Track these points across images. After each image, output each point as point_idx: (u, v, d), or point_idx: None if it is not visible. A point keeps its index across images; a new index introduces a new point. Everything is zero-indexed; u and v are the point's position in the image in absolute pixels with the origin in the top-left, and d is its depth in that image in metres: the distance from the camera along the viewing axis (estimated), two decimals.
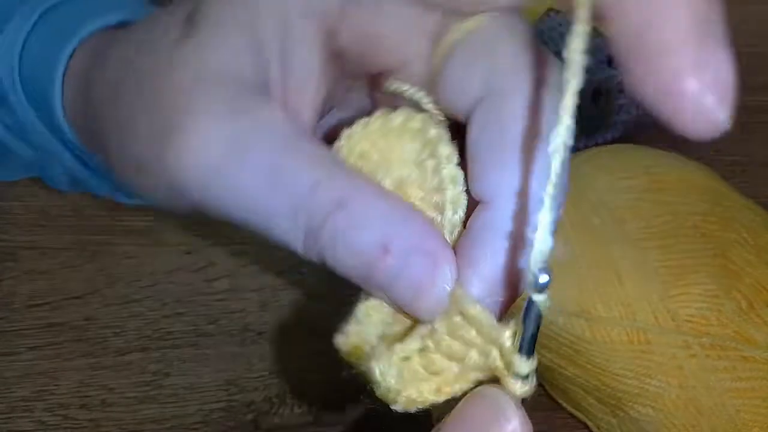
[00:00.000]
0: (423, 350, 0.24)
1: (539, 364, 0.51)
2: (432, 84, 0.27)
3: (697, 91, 0.18)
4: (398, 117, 0.26)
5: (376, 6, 0.26)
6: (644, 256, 0.45)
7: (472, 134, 0.26)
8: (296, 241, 0.25)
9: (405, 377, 0.24)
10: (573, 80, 0.20)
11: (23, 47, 0.35)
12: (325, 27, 0.26)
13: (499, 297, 0.24)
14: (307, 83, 0.27)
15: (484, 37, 0.26)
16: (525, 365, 0.22)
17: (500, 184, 0.25)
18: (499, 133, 0.25)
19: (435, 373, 0.24)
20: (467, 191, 0.26)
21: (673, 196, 0.47)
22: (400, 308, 0.25)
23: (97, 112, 0.30)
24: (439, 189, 0.26)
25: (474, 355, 0.23)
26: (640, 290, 0.44)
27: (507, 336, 0.22)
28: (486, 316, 0.23)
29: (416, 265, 0.24)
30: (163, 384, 0.51)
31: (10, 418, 0.49)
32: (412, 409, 0.25)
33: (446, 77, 0.27)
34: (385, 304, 0.26)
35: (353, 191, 0.24)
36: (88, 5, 0.36)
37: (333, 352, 0.56)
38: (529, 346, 0.22)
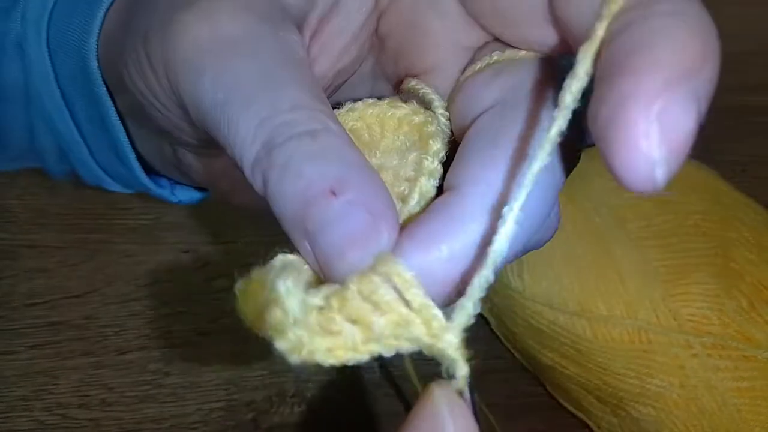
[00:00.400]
0: (325, 308, 0.22)
1: (540, 363, 0.51)
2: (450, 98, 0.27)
3: (644, 129, 0.17)
4: (405, 108, 0.26)
5: (433, 3, 0.26)
6: (645, 256, 0.45)
7: (468, 135, 0.25)
8: (246, 155, 0.23)
9: (301, 326, 0.22)
10: (559, 121, 0.19)
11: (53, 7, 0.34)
12: (380, 6, 0.26)
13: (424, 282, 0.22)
14: (339, 38, 0.27)
15: (510, 63, 0.26)
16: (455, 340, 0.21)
17: (476, 176, 0.23)
18: (492, 137, 0.24)
19: (331, 334, 0.22)
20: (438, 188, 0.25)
21: (673, 196, 0.47)
22: (317, 264, 0.23)
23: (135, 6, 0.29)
24: (412, 179, 0.25)
25: (381, 322, 0.21)
26: (642, 289, 0.44)
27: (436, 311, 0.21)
28: (418, 282, 0.21)
29: (356, 218, 0.22)
30: (163, 383, 0.51)
31: (8, 417, 0.49)
32: (297, 360, 0.22)
33: (467, 88, 0.26)
34: (303, 264, 0.24)
35: (327, 129, 0.23)
36: None
37: None
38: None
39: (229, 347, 0.53)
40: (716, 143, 0.64)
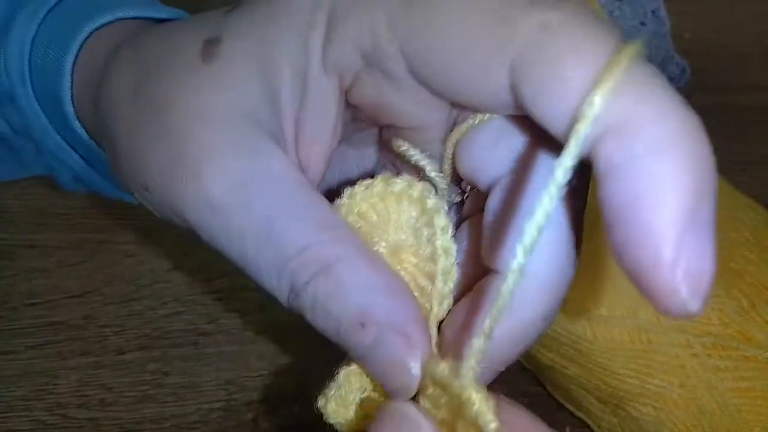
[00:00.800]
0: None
1: (540, 363, 0.51)
2: (448, 152, 0.28)
3: (669, 281, 0.19)
4: (399, 183, 0.27)
5: (390, 80, 0.25)
6: None
7: (491, 208, 0.26)
8: (281, 296, 0.26)
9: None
10: (539, 215, 0.20)
11: (33, 40, 0.35)
12: (342, 86, 0.26)
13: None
14: (319, 137, 0.27)
15: (502, 123, 0.26)
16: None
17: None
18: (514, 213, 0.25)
19: None
20: (458, 263, 0.27)
21: None
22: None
23: (107, 112, 0.30)
24: (432, 258, 0.27)
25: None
26: None
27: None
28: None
29: (389, 343, 0.24)
30: (163, 383, 0.51)
31: (8, 417, 0.49)
32: None
33: (470, 152, 0.27)
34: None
35: (339, 259, 0.24)
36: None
37: (332, 351, 0.55)
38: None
39: (229, 347, 0.53)
40: (716, 143, 0.64)
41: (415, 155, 0.28)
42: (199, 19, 0.29)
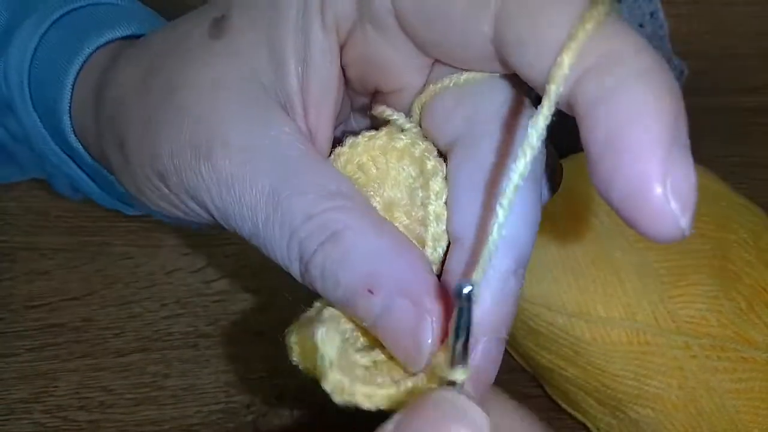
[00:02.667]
0: (371, 367, 0.26)
1: (539, 364, 0.51)
2: (415, 111, 0.28)
3: (662, 196, 0.20)
4: (403, 140, 0.27)
5: (381, 31, 0.26)
6: (644, 258, 0.45)
7: (449, 173, 0.27)
8: (293, 269, 0.26)
9: (339, 372, 0.25)
10: (527, 154, 0.21)
11: (34, 52, 0.35)
12: (339, 42, 0.27)
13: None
14: (325, 96, 0.28)
15: (470, 86, 0.27)
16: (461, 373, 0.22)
17: (468, 224, 0.25)
18: (469, 174, 0.26)
19: (374, 384, 0.25)
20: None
21: None
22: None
23: (115, 111, 0.30)
24: (423, 222, 0.27)
25: (409, 384, 0.24)
26: (640, 291, 0.44)
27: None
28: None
29: (398, 309, 0.24)
30: (163, 385, 0.51)
31: (8, 420, 0.49)
32: (340, 400, 0.26)
33: (433, 113, 0.28)
34: (341, 316, 0.26)
35: (345, 225, 0.25)
36: (100, 15, 0.36)
37: None
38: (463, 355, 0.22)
39: (229, 349, 0.53)
40: (715, 145, 0.64)
41: (393, 114, 0.28)
42: (204, 7, 0.29)
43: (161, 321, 0.54)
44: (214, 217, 0.27)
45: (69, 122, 0.34)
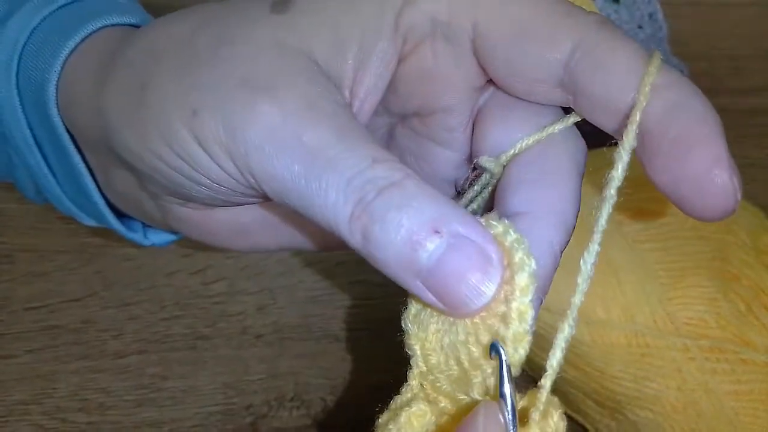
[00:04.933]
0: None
1: (537, 366, 0.51)
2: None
3: (728, 178, 0.24)
4: (496, 226, 0.25)
5: (450, 46, 0.28)
6: (643, 259, 0.45)
7: (513, 170, 0.29)
8: (341, 215, 0.24)
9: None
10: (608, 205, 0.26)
11: (30, 34, 0.34)
12: (404, 49, 0.28)
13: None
14: (372, 93, 0.28)
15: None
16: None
17: (548, 199, 0.27)
18: (543, 168, 0.28)
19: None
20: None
21: None
22: (435, 298, 0.24)
23: (138, 62, 0.29)
24: (504, 319, 0.24)
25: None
26: (639, 293, 0.44)
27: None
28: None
29: (465, 246, 0.23)
30: (162, 387, 0.51)
31: (7, 421, 0.49)
32: None
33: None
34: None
35: (409, 175, 0.24)
36: (106, 4, 0.35)
37: (331, 355, 0.56)
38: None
39: (228, 351, 0.53)
40: None
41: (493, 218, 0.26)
42: None
43: (160, 323, 0.54)
44: (247, 163, 0.25)
45: (54, 94, 0.33)
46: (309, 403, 0.52)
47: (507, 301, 0.24)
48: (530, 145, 0.28)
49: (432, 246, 0.23)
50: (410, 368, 0.27)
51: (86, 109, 0.31)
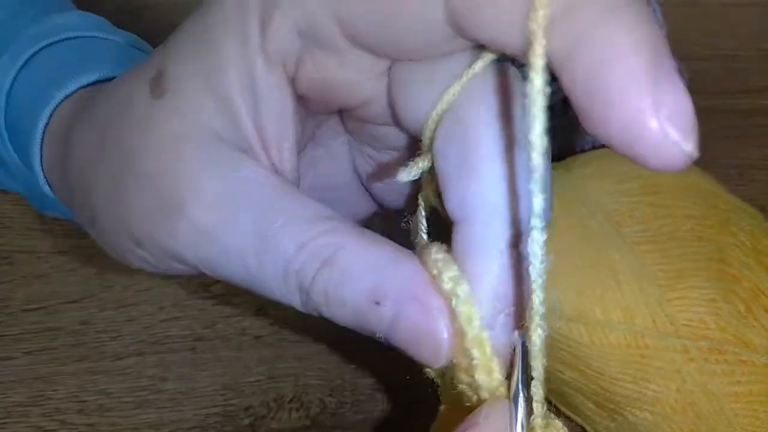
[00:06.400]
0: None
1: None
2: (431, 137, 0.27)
3: (659, 129, 0.19)
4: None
5: (329, 53, 0.25)
6: (642, 260, 0.45)
7: (438, 150, 0.26)
8: (295, 302, 0.25)
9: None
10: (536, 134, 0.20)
11: (9, 93, 0.35)
12: (288, 75, 0.26)
13: (509, 308, 0.24)
14: (283, 131, 0.27)
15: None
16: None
17: (477, 197, 0.24)
18: (465, 144, 0.25)
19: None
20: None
21: (669, 200, 0.47)
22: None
23: (79, 182, 0.30)
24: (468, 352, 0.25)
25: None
26: (638, 294, 0.44)
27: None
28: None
29: (409, 311, 0.24)
30: (161, 388, 0.51)
31: (6, 423, 0.49)
32: None
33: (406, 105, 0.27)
34: None
35: (338, 247, 0.24)
36: (74, 55, 0.36)
37: (330, 356, 0.56)
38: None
39: (227, 352, 0.53)
40: (712, 147, 0.64)
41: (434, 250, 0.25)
42: (142, 63, 0.28)
43: (159, 324, 0.54)
44: (201, 270, 0.27)
45: (42, 174, 0.34)
46: (308, 405, 0.52)
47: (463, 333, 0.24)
48: (444, 108, 0.25)
49: (378, 320, 0.24)
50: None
51: (69, 207, 0.34)
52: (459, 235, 0.25)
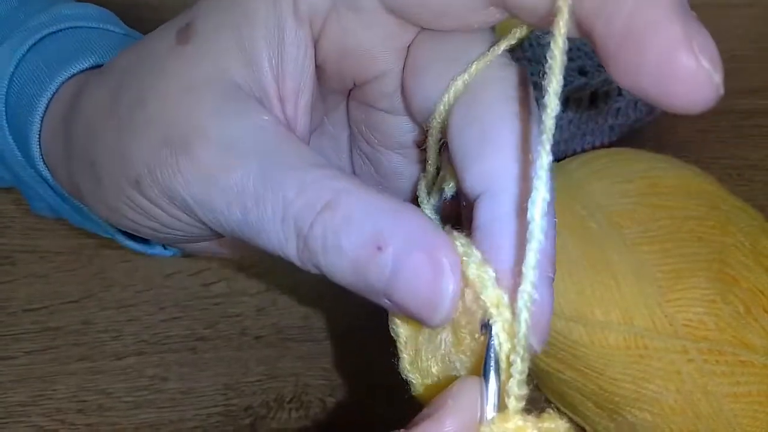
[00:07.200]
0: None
1: (536, 368, 0.51)
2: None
3: (692, 57, 0.20)
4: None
5: (358, 14, 0.26)
6: (641, 261, 0.45)
7: (454, 129, 0.26)
8: (290, 250, 0.24)
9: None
10: (556, 66, 0.21)
11: (12, 76, 0.35)
12: (313, 33, 0.27)
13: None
14: (302, 87, 0.27)
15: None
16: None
17: (500, 169, 0.25)
18: (484, 122, 0.25)
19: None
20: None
21: (670, 200, 0.47)
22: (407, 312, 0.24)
23: (84, 140, 0.30)
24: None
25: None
26: (638, 294, 0.44)
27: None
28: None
29: (412, 262, 0.22)
30: (161, 388, 0.51)
31: (6, 423, 0.49)
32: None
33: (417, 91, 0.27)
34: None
35: (340, 191, 0.23)
36: (74, 43, 0.36)
37: (330, 356, 0.56)
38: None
39: (227, 352, 0.53)
40: (712, 147, 0.64)
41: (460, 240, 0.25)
42: (168, 22, 0.29)
43: (159, 324, 0.54)
44: (196, 216, 0.26)
45: (38, 149, 0.34)
46: (308, 405, 0.52)
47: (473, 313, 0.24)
48: (459, 90, 0.26)
49: (378, 267, 0.22)
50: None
51: (63, 177, 0.34)
52: (483, 207, 0.25)
